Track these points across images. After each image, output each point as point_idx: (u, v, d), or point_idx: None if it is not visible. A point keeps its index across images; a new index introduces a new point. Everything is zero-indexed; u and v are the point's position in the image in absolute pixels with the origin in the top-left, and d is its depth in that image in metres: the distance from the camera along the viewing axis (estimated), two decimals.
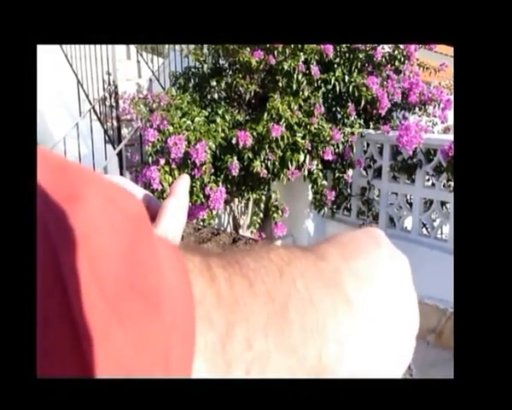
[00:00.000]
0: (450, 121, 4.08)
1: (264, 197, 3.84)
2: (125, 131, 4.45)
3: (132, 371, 0.15)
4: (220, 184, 3.49)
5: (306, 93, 3.68)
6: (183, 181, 0.36)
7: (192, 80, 4.01)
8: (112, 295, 0.16)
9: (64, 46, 4.76)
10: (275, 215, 3.74)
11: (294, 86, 3.62)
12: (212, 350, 0.18)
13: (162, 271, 0.17)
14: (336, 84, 3.73)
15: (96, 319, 0.15)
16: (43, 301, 0.15)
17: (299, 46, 3.62)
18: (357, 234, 0.28)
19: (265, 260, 0.22)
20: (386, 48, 3.88)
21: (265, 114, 3.52)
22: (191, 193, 3.22)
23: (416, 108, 3.99)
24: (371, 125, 3.90)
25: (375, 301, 0.24)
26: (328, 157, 3.59)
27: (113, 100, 4.33)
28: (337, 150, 3.68)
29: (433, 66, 4.03)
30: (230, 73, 3.85)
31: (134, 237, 0.17)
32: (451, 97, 3.92)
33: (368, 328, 0.24)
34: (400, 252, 0.28)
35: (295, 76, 3.60)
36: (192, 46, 3.86)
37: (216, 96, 3.91)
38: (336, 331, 0.22)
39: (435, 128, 4.05)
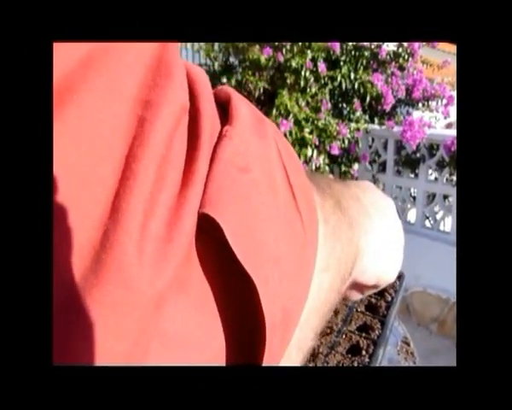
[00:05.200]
0: (453, 117, 4.09)
1: None
2: None
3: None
4: None
5: (314, 90, 3.75)
6: None
7: None
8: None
9: None
10: None
11: (302, 83, 3.69)
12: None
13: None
14: (342, 81, 3.80)
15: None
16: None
17: (307, 44, 3.70)
18: (357, 183, 0.38)
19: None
20: (390, 46, 3.92)
21: (274, 110, 3.60)
22: None
23: (420, 104, 4.01)
24: (376, 121, 3.95)
25: (382, 219, 0.35)
26: (335, 152, 3.67)
27: None
28: (343, 145, 3.75)
29: (436, 63, 4.01)
30: (240, 70, 3.93)
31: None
32: (454, 93, 3.93)
33: (379, 235, 0.33)
34: (384, 195, 0.38)
35: (303, 73, 3.67)
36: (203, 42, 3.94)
37: None
38: (365, 231, 0.32)
39: (438, 124, 4.05)
